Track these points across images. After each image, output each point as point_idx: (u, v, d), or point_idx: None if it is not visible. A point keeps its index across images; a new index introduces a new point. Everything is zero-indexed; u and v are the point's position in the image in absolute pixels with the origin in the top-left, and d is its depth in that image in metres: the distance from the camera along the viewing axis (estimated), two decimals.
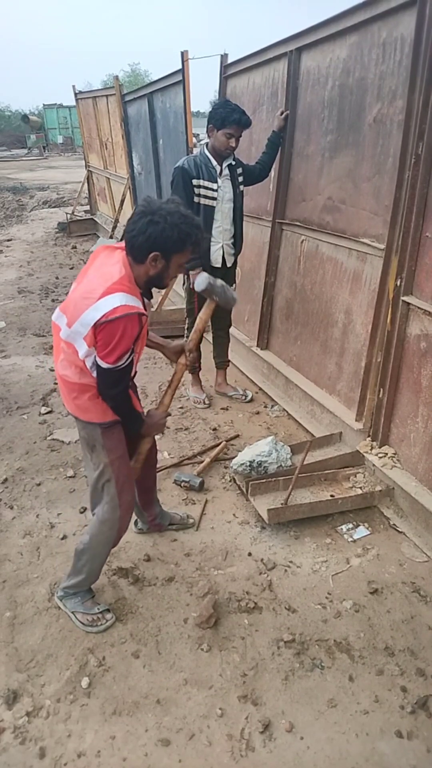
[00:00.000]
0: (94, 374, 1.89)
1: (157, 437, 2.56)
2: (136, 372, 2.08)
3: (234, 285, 3.75)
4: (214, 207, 3.40)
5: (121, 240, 1.97)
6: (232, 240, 3.57)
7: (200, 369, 3.94)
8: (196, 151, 3.46)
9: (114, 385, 1.90)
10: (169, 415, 2.36)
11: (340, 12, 2.93)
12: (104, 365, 1.83)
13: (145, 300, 1.95)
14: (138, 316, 1.79)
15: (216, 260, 3.53)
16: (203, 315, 2.31)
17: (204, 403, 3.85)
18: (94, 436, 2.01)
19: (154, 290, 2.03)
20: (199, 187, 3.33)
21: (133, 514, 2.63)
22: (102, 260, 1.92)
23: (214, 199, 3.38)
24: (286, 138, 3.63)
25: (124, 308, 1.75)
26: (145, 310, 1.89)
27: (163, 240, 1.79)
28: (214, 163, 3.34)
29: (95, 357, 1.84)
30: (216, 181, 3.35)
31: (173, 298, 5.86)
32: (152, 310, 3.34)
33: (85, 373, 1.90)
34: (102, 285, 1.79)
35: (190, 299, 3.68)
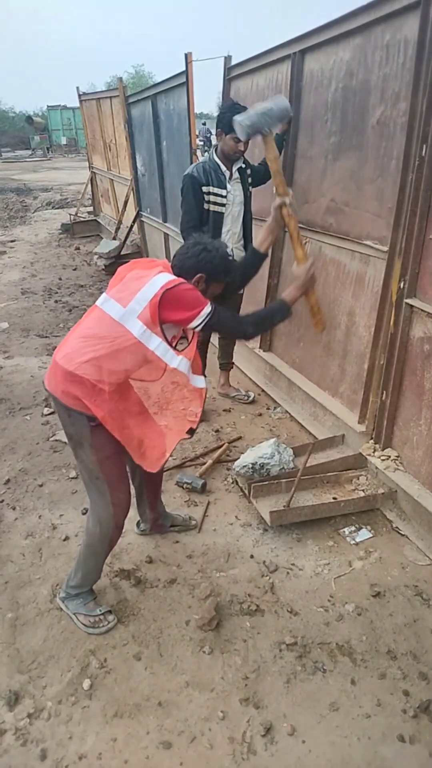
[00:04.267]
0: (165, 359, 1.95)
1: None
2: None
3: (241, 291, 3.75)
4: (223, 213, 3.41)
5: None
6: (242, 242, 3.56)
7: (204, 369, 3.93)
8: (206, 156, 3.45)
9: (234, 326, 2.11)
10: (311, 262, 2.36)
11: (344, 14, 2.92)
12: (198, 321, 1.90)
13: None
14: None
15: None
16: (270, 155, 2.44)
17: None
18: (83, 433, 1.97)
19: None
20: (208, 194, 3.33)
21: (135, 514, 2.65)
22: (135, 274, 2.01)
23: (224, 205, 3.38)
24: (289, 140, 3.63)
25: (179, 279, 1.91)
26: None
27: (212, 266, 2.01)
28: (224, 168, 3.34)
29: (181, 329, 2.01)
30: (225, 187, 3.35)
31: None
32: None
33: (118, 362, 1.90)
34: (151, 274, 1.92)
35: None
